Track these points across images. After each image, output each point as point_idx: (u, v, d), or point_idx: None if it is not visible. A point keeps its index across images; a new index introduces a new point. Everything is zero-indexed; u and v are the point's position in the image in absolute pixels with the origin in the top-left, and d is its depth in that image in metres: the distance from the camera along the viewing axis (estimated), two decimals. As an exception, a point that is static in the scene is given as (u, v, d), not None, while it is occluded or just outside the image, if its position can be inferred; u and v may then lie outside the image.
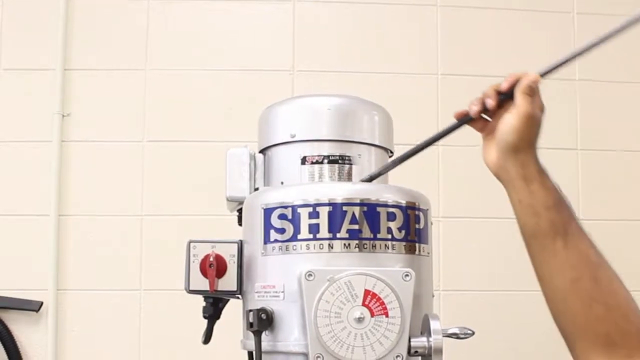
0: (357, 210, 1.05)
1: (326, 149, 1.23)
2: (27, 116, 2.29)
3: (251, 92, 2.30)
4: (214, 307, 1.24)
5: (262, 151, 1.31)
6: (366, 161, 1.23)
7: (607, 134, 2.39)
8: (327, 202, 1.04)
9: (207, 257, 1.12)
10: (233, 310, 1.28)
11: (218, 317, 1.27)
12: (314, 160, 1.22)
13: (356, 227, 1.03)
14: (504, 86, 1.10)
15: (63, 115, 2.28)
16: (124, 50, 2.33)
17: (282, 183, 1.24)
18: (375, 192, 1.09)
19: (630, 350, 1.02)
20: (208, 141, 2.27)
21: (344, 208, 1.04)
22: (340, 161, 1.22)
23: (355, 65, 2.35)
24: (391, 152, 1.31)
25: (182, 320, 2.00)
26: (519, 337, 2.21)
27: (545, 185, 1.07)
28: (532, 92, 1.08)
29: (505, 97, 1.11)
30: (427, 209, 1.15)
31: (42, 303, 2.21)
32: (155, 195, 2.27)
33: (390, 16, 2.37)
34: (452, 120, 1.17)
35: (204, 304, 1.24)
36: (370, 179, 1.17)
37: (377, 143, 1.28)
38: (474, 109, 1.13)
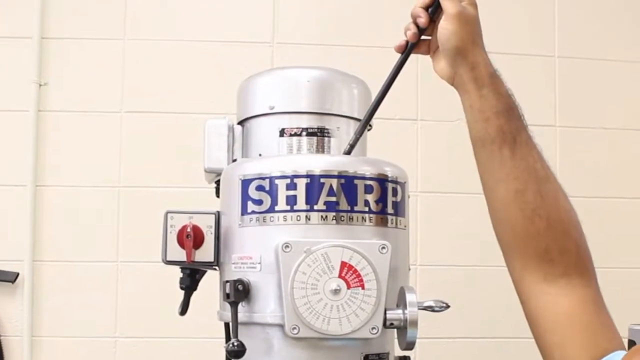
0: (334, 182, 1.05)
1: (305, 122, 1.23)
2: (3, 85, 2.26)
3: (230, 63, 2.28)
4: (191, 278, 1.24)
5: (240, 122, 1.30)
6: (345, 134, 1.23)
7: (585, 112, 2.39)
8: (304, 174, 1.04)
9: (184, 227, 1.11)
10: (210, 282, 1.28)
11: (195, 289, 1.27)
12: (293, 133, 1.22)
13: (333, 199, 1.03)
14: (416, 6, 1.11)
15: (40, 85, 2.26)
16: (102, 19, 2.30)
17: (260, 155, 1.24)
18: (353, 165, 1.09)
19: (566, 268, 1.01)
20: (186, 113, 2.26)
21: (322, 180, 1.04)
22: (319, 134, 1.22)
23: (336, 38, 2.34)
24: (370, 125, 1.31)
25: (159, 291, 2.01)
26: (494, 311, 2.23)
27: (497, 90, 1.05)
28: None
29: (434, 10, 1.11)
30: (405, 182, 1.15)
31: (18, 274, 2.20)
32: (133, 167, 2.26)
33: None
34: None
35: (180, 275, 1.24)
36: (350, 149, 1.17)
37: (355, 116, 1.28)
38: (410, 33, 1.13)
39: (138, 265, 2.22)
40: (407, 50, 1.15)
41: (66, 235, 2.24)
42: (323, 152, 1.21)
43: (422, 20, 1.12)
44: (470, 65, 1.06)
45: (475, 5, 1.10)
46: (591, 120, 2.39)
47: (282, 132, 1.23)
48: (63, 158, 2.26)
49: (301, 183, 1.03)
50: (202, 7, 2.33)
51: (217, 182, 1.29)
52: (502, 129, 1.03)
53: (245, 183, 1.07)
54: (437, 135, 2.28)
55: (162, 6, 2.32)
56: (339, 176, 1.06)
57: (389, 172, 1.12)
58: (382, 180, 1.10)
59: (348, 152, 1.16)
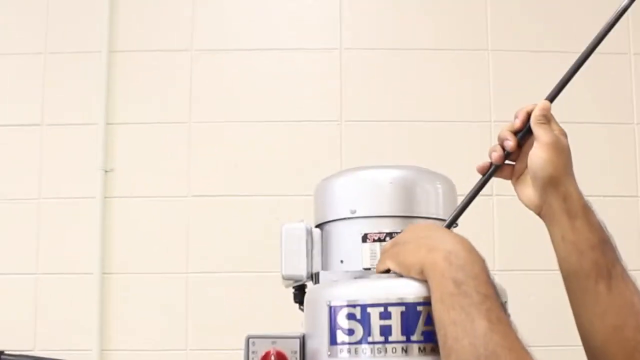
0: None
1: (388, 226, 1.16)
2: (69, 172, 2.26)
3: (299, 143, 2.26)
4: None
5: (319, 226, 1.24)
6: (430, 237, 1.15)
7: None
8: (399, 301, 0.96)
9: (267, 354, 1.04)
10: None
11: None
12: (376, 238, 1.15)
13: (432, 328, 0.94)
14: (518, 123, 1.07)
15: (106, 171, 2.24)
16: (167, 102, 2.29)
17: (341, 262, 1.17)
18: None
19: None
20: (255, 195, 2.23)
21: (418, 308, 0.95)
22: None
23: (404, 114, 2.29)
24: (456, 224, 1.23)
25: None
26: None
27: (590, 222, 1.01)
28: (547, 120, 1.05)
29: (522, 135, 1.07)
30: (506, 301, 1.07)
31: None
32: (202, 253, 2.22)
33: (437, 63, 2.31)
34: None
35: None
36: None
37: (441, 217, 1.20)
38: (495, 155, 1.08)
39: (207, 354, 2.16)
40: (489, 172, 1.10)
41: (135, 324, 2.20)
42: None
43: (510, 144, 1.07)
44: (563, 195, 1.03)
45: (565, 135, 1.07)
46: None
47: (364, 238, 1.16)
48: (130, 245, 2.23)
49: (396, 312, 0.95)
50: (268, 88, 2.31)
51: (296, 288, 1.23)
52: (598, 262, 0.99)
53: (334, 310, 0.99)
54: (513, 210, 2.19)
55: (229, 87, 2.30)
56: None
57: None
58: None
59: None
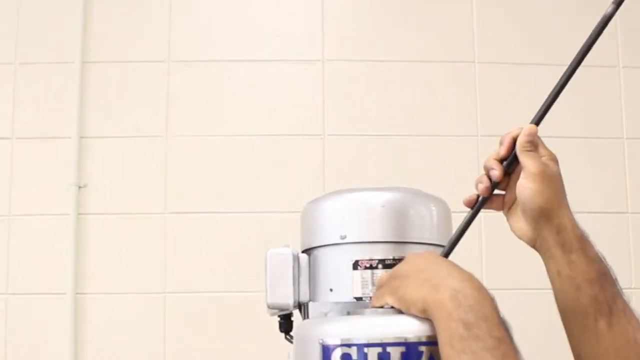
0: (435, 350, 0.89)
1: (380, 252, 1.10)
2: (42, 188, 2.18)
3: (280, 157, 2.21)
4: None
5: (306, 251, 1.18)
6: (424, 263, 1.08)
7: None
8: (399, 340, 0.89)
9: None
10: None
11: None
12: (367, 265, 1.09)
13: (435, 370, 0.87)
14: (502, 151, 1.01)
15: (79, 187, 2.17)
16: (143, 115, 2.23)
17: (331, 290, 1.11)
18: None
19: None
20: (235, 212, 2.17)
21: (420, 348, 0.88)
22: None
23: (389, 128, 2.24)
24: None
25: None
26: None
27: (587, 254, 0.95)
28: (534, 146, 0.98)
29: (509, 163, 1.01)
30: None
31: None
32: (180, 272, 2.16)
33: (423, 75, 2.26)
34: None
35: None
36: None
37: (435, 242, 1.13)
38: (482, 187, 1.01)
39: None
40: (477, 205, 1.02)
41: (109, 347, 2.12)
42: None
43: (497, 173, 0.99)
44: (556, 228, 0.96)
45: (556, 161, 1.00)
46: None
47: (355, 265, 1.10)
48: (104, 264, 2.16)
49: (395, 352, 0.88)
50: (246, 99, 2.25)
51: (282, 317, 1.18)
52: (597, 298, 0.93)
53: (327, 350, 0.92)
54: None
55: (206, 100, 2.25)
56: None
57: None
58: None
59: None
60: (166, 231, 2.16)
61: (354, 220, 1.11)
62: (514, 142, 0.99)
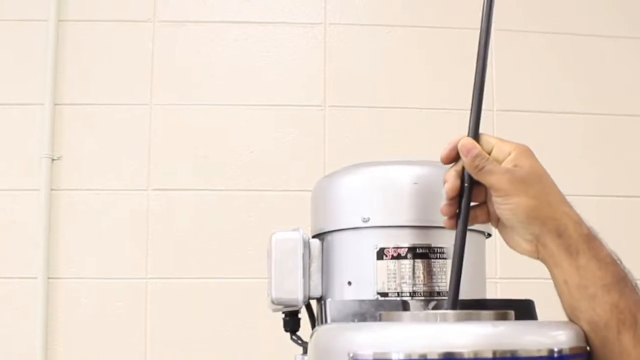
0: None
1: (409, 238, 0.94)
2: (11, 160, 2.08)
3: (276, 129, 2.10)
4: None
5: (318, 236, 1.03)
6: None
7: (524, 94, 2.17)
8: (441, 356, 0.70)
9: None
10: None
11: None
12: (395, 255, 0.94)
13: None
14: (450, 187, 0.86)
15: (53, 159, 2.06)
16: (125, 81, 2.12)
17: (349, 283, 0.96)
18: (511, 336, 0.73)
19: None
20: (226, 190, 2.07)
21: (482, 365, 0.69)
22: (431, 255, 0.94)
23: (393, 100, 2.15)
24: (489, 234, 1.00)
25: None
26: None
27: (598, 256, 0.81)
28: (483, 159, 0.84)
29: (469, 185, 0.86)
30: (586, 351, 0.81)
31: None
32: (164, 255, 2.05)
33: (424, 44, 2.16)
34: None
35: None
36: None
37: (474, 227, 0.95)
38: (446, 210, 0.87)
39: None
40: (461, 225, 0.85)
41: (84, 338, 2.01)
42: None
43: (449, 187, 0.86)
44: (555, 230, 0.81)
45: (526, 153, 0.84)
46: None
47: (380, 254, 0.94)
48: (80, 246, 2.04)
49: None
50: (236, 67, 2.15)
51: (287, 314, 1.05)
52: (617, 307, 0.79)
53: (360, 365, 0.73)
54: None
55: (194, 65, 2.15)
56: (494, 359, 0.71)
57: (565, 342, 0.77)
58: (558, 358, 0.75)
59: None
60: (149, 209, 2.06)
61: (379, 199, 0.97)
62: (455, 152, 0.86)
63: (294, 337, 1.06)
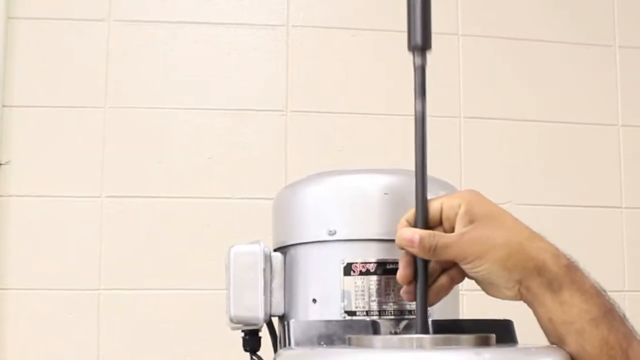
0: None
1: (378, 253, 0.90)
2: None
3: (235, 135, 2.06)
4: None
5: (280, 249, 0.98)
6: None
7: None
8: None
9: None
10: None
11: None
12: (363, 270, 0.89)
13: None
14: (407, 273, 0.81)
15: (0, 164, 2.00)
16: (77, 82, 2.04)
17: (314, 301, 0.92)
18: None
19: None
20: (182, 197, 2.01)
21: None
22: None
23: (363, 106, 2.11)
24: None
25: None
26: None
27: (581, 288, 0.77)
28: (431, 241, 0.78)
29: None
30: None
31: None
32: (117, 265, 1.98)
33: (390, 49, 2.12)
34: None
35: None
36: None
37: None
38: (409, 297, 0.82)
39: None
40: (418, 287, 0.79)
41: (33, 350, 1.94)
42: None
43: (402, 274, 0.81)
44: (535, 269, 0.76)
45: (474, 202, 0.80)
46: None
47: (348, 269, 0.90)
48: (29, 255, 1.98)
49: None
50: (195, 69, 2.10)
51: (246, 333, 0.99)
52: (608, 343, 0.75)
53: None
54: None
55: (150, 69, 2.08)
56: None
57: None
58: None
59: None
60: (102, 218, 2.00)
61: (347, 211, 0.93)
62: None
63: (254, 357, 1.01)
